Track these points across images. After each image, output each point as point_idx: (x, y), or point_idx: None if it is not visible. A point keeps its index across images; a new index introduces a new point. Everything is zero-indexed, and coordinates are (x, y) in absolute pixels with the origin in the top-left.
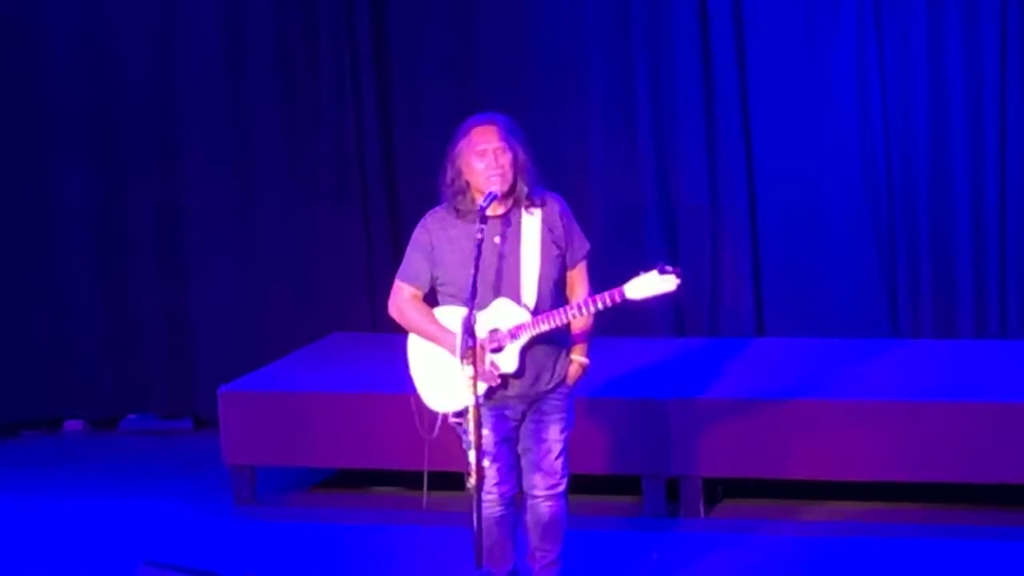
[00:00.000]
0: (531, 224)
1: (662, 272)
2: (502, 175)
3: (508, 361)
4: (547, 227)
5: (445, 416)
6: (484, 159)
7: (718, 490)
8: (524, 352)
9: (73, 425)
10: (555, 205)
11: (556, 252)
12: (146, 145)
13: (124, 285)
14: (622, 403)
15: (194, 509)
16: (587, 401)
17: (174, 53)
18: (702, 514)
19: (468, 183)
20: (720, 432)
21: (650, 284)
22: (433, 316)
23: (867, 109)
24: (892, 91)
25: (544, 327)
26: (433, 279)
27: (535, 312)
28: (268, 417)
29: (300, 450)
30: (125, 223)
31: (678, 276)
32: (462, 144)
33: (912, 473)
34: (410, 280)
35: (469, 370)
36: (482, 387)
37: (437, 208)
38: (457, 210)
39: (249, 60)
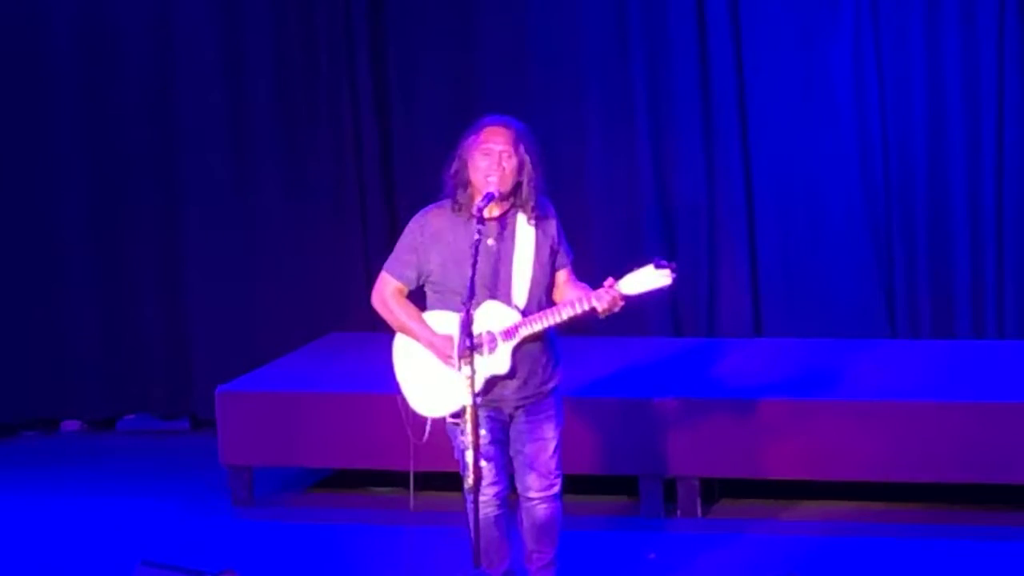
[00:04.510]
0: (526, 227)
1: (658, 266)
2: (501, 178)
3: (500, 362)
4: (541, 230)
5: (434, 420)
6: (488, 158)
7: (715, 490)
8: (515, 353)
9: (70, 425)
10: (550, 210)
11: (548, 258)
12: (144, 146)
13: (122, 285)
14: (619, 403)
15: (191, 509)
16: (584, 401)
17: (172, 55)
18: (699, 514)
19: (470, 179)
20: (717, 432)
21: (646, 279)
22: (417, 313)
23: (865, 109)
24: (890, 91)
25: (539, 325)
26: (422, 276)
27: (524, 314)
28: (265, 417)
29: (297, 450)
30: (122, 223)
31: (673, 271)
32: (471, 139)
33: (909, 473)
34: (397, 275)
35: (467, 370)
36: (464, 395)
37: (434, 205)
38: (457, 204)
39: (247, 62)
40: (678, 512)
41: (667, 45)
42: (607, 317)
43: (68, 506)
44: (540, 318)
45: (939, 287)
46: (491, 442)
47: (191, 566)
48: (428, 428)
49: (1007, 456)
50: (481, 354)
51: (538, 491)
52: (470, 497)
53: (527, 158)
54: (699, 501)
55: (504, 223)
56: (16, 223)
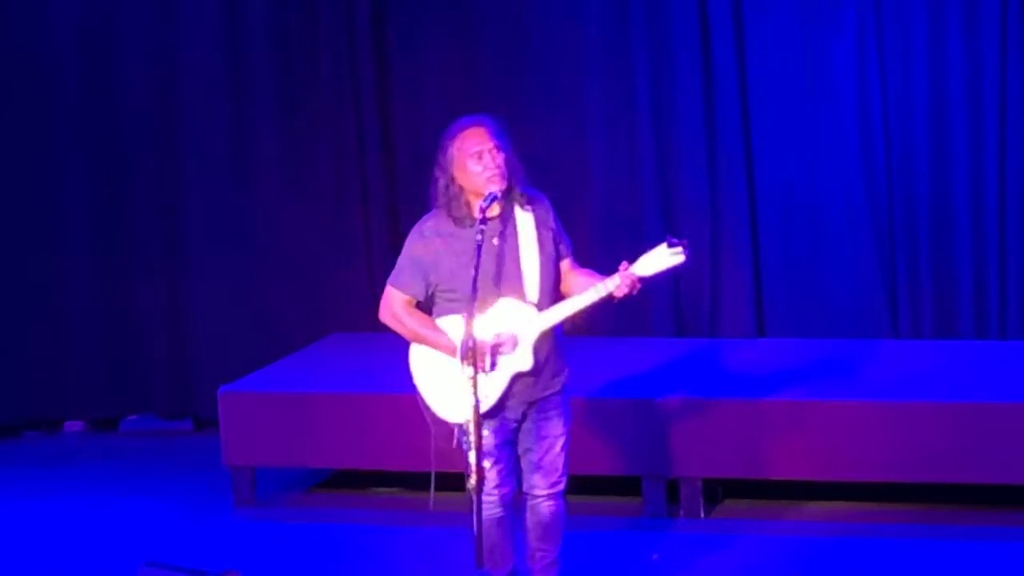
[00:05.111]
0: (526, 222)
1: (671, 245)
2: (500, 174)
3: (523, 359)
4: (540, 222)
5: (461, 426)
6: (480, 161)
7: (718, 491)
8: (534, 350)
9: (73, 426)
10: (544, 201)
11: (552, 248)
12: (146, 145)
13: (124, 285)
14: (622, 404)
15: (194, 510)
16: (587, 402)
17: (174, 54)
18: (702, 515)
19: (462, 188)
20: (720, 433)
21: (659, 259)
22: (432, 321)
23: (867, 108)
24: (892, 90)
25: (559, 316)
26: (431, 287)
27: (539, 309)
28: (268, 417)
29: (300, 450)
30: (125, 223)
31: (686, 248)
32: (453, 149)
33: (911, 474)
34: (404, 288)
35: (469, 370)
36: (496, 390)
37: (430, 215)
38: (453, 217)
39: (249, 61)
40: (681, 513)
41: (670, 42)
42: (622, 300)
43: (71, 507)
44: (559, 309)
45: (941, 287)
46: (500, 444)
47: (194, 566)
48: (457, 433)
49: (1009, 456)
50: (504, 354)
51: (544, 488)
52: (475, 498)
53: (509, 150)
54: (702, 502)
55: (505, 221)
56: (18, 223)
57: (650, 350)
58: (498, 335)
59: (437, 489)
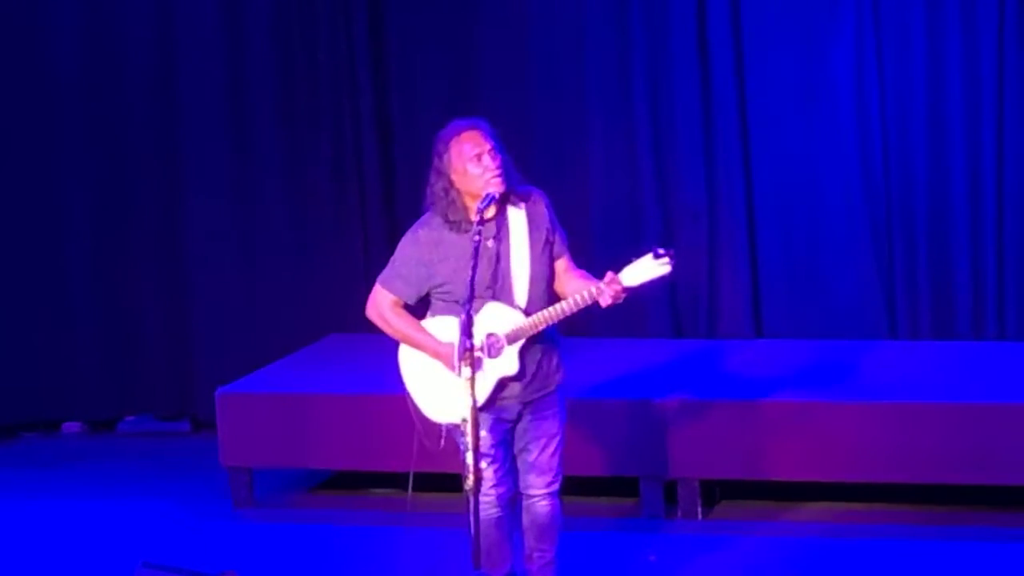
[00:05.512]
0: (518, 222)
1: (656, 256)
2: (501, 176)
3: (508, 364)
4: (532, 223)
5: (450, 426)
6: (479, 164)
7: (715, 492)
8: (521, 353)
9: (71, 427)
10: (539, 198)
11: (544, 248)
12: (146, 147)
13: (123, 287)
14: (620, 405)
15: (192, 511)
16: (585, 403)
17: (174, 55)
18: (699, 516)
19: (460, 191)
20: (718, 434)
21: (645, 269)
22: (418, 323)
23: (865, 110)
24: (890, 92)
25: (542, 323)
26: (424, 290)
27: (527, 313)
28: (266, 419)
29: (298, 452)
30: (124, 225)
31: (672, 258)
32: (451, 154)
33: (910, 474)
34: (396, 290)
35: (467, 371)
36: (483, 393)
37: (425, 218)
38: (449, 221)
39: (248, 62)
40: (679, 514)
41: (668, 44)
42: (609, 308)
43: (69, 508)
44: (543, 316)
45: (939, 288)
46: (496, 444)
47: (192, 567)
48: (444, 434)
49: (1008, 457)
50: (488, 357)
51: (540, 488)
52: (472, 499)
53: (503, 150)
54: (700, 502)
55: (500, 222)
56: (19, 225)
57: (648, 351)
58: (486, 338)
59: (437, 491)
